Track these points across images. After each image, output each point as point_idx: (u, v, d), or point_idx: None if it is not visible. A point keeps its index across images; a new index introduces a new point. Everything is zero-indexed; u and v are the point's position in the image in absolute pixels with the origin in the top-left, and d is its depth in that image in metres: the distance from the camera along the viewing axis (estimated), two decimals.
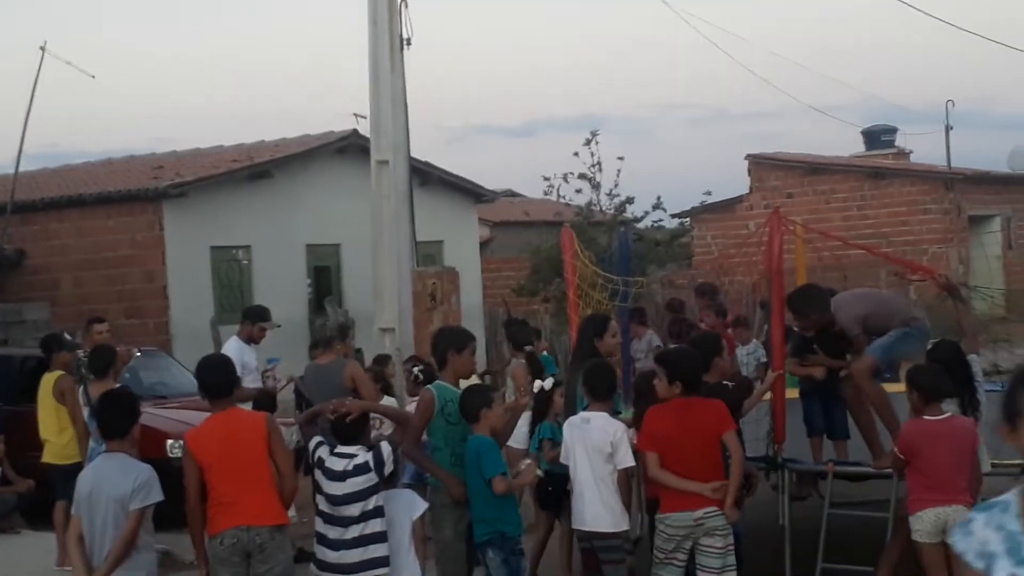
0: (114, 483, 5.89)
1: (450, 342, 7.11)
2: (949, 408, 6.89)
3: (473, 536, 6.96)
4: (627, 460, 6.89)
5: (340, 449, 6.43)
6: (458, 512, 6.87)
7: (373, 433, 8.02)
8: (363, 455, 6.35)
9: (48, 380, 10.24)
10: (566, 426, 7.17)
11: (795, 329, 8.26)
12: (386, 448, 6.41)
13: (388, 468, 6.37)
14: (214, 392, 6.35)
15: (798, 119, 79.52)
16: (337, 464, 6.35)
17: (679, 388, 6.73)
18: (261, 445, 6.19)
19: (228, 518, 6.15)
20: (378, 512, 6.36)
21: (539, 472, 7.07)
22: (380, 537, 6.35)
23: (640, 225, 25.40)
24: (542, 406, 7.97)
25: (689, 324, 10.28)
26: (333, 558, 6.35)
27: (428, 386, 7.10)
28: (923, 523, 6.64)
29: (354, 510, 6.32)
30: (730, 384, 7.58)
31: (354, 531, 6.32)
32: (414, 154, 15.09)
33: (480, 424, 6.79)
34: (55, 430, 10.05)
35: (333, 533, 6.36)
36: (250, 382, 9.71)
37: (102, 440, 6.50)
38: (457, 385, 7.08)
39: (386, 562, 6.35)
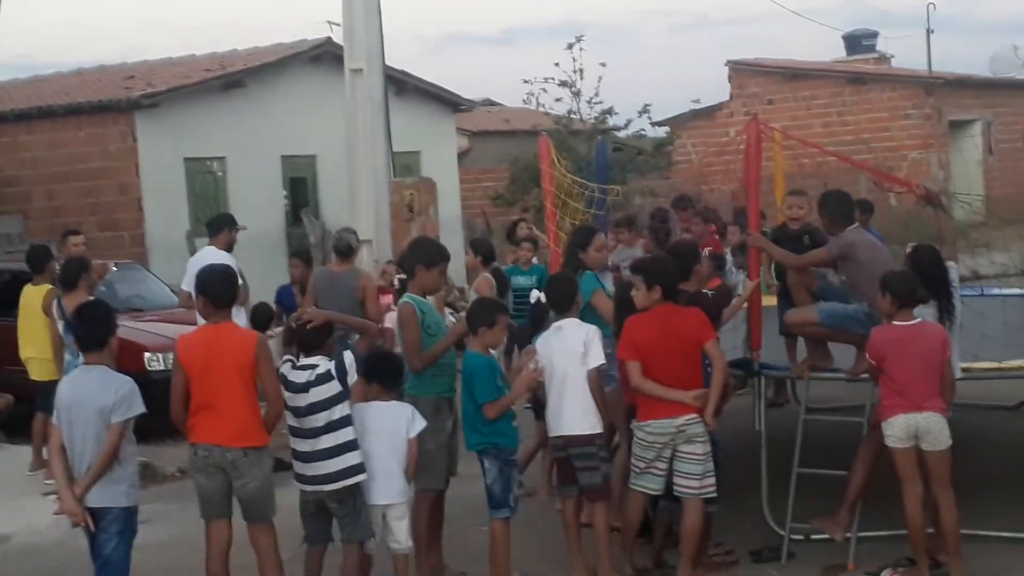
0: (95, 395, 5.84)
1: (420, 257, 7.03)
2: (925, 313, 6.88)
3: (452, 445, 7.00)
4: (599, 358, 6.87)
5: (302, 361, 6.40)
6: (439, 424, 6.87)
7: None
8: (325, 364, 6.35)
9: (35, 293, 10.05)
10: (539, 342, 7.11)
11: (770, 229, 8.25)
12: (348, 356, 6.40)
13: (352, 377, 6.35)
14: (220, 302, 6.26)
15: (780, 24, 78.76)
16: (299, 376, 6.33)
17: (658, 294, 6.73)
18: (248, 364, 6.14)
19: (203, 433, 6.17)
20: (345, 421, 6.34)
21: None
22: (352, 445, 6.36)
23: (621, 134, 25.19)
24: (539, 318, 7.87)
25: (668, 231, 10.21)
26: (309, 471, 6.37)
27: (404, 298, 7.03)
28: (894, 429, 6.66)
29: (319, 420, 6.30)
30: (710, 292, 7.55)
31: (325, 441, 6.31)
32: (389, 63, 14.90)
33: (476, 340, 6.78)
34: (41, 345, 9.92)
35: (303, 446, 6.37)
36: None
37: (79, 353, 6.46)
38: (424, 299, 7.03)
39: (361, 469, 6.37)
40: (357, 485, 6.40)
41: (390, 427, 6.55)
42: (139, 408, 5.90)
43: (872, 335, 6.79)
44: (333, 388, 6.31)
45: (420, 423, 6.60)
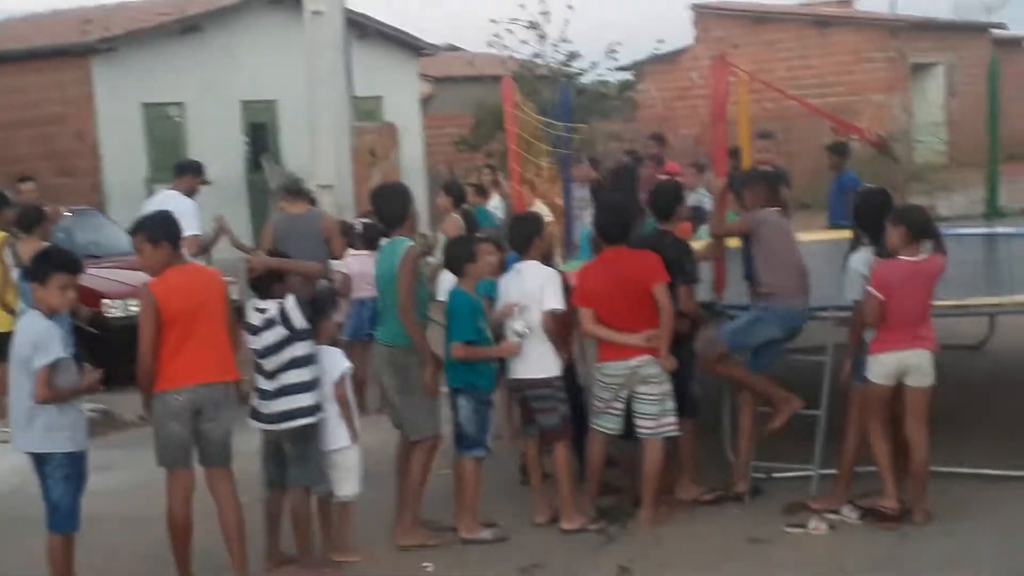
0: (19, 341, 5.82)
1: (408, 199, 6.89)
2: (861, 257, 6.81)
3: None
4: (551, 302, 6.83)
5: (259, 304, 6.43)
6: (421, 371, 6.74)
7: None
8: (273, 309, 6.33)
9: None
10: (501, 281, 7.09)
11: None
12: (289, 301, 6.34)
13: (297, 322, 6.30)
14: (175, 240, 6.12)
15: None
16: (255, 318, 6.38)
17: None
18: (224, 297, 6.19)
19: (187, 374, 6.03)
20: (296, 363, 6.32)
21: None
22: (305, 387, 6.34)
23: (585, 79, 25.03)
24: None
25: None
26: (263, 408, 6.41)
27: (409, 243, 6.70)
28: (883, 366, 6.60)
29: (270, 364, 6.33)
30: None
31: (274, 383, 6.34)
32: (350, 6, 14.70)
33: (463, 281, 6.71)
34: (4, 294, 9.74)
35: (262, 384, 6.40)
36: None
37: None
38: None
39: (310, 412, 6.34)
40: (313, 430, 6.37)
41: (327, 372, 6.49)
42: (57, 352, 5.73)
43: (879, 269, 6.59)
44: (279, 333, 6.30)
45: (341, 365, 6.49)
